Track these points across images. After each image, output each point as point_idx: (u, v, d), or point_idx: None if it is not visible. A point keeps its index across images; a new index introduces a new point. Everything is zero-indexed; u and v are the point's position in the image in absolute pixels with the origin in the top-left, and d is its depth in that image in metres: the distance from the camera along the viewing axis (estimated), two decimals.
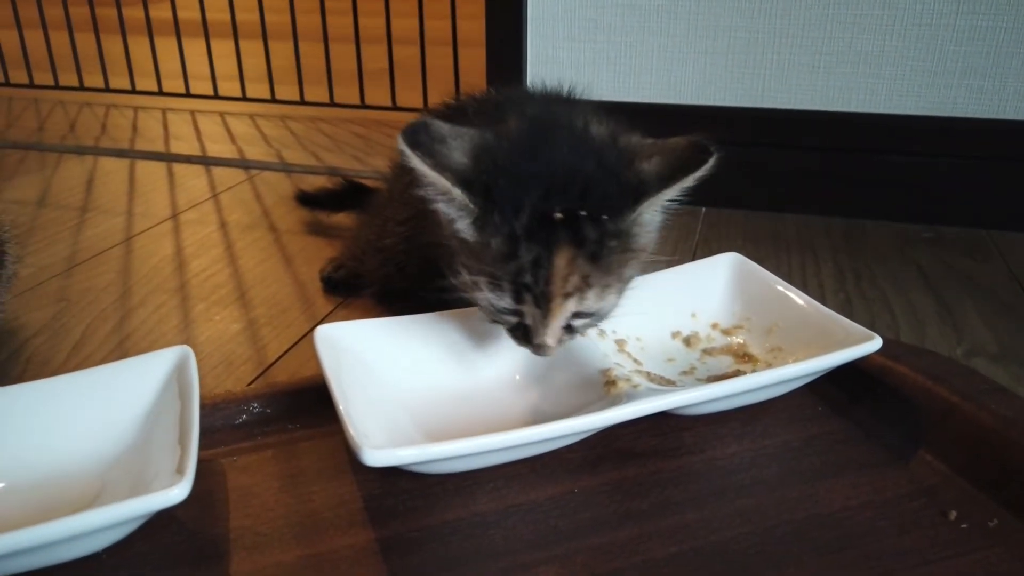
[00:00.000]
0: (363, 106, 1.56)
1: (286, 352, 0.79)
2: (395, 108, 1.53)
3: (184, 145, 1.48)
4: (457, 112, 0.84)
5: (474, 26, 1.30)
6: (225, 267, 0.98)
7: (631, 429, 0.61)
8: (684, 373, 0.68)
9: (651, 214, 0.57)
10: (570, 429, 0.54)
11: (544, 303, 0.55)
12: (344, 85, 1.55)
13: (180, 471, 0.48)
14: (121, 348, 0.80)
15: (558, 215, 0.53)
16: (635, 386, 0.59)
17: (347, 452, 0.60)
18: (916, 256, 0.99)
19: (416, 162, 0.54)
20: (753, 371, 0.66)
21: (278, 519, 0.54)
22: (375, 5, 1.47)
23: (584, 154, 0.56)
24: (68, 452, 0.57)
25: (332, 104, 1.58)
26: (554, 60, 1.15)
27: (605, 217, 0.54)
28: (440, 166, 0.54)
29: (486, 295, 0.56)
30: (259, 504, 0.55)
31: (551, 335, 0.56)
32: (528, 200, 0.53)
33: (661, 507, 0.54)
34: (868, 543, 0.51)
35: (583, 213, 0.53)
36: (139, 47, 1.64)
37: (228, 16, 1.56)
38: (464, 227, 0.56)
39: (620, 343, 0.68)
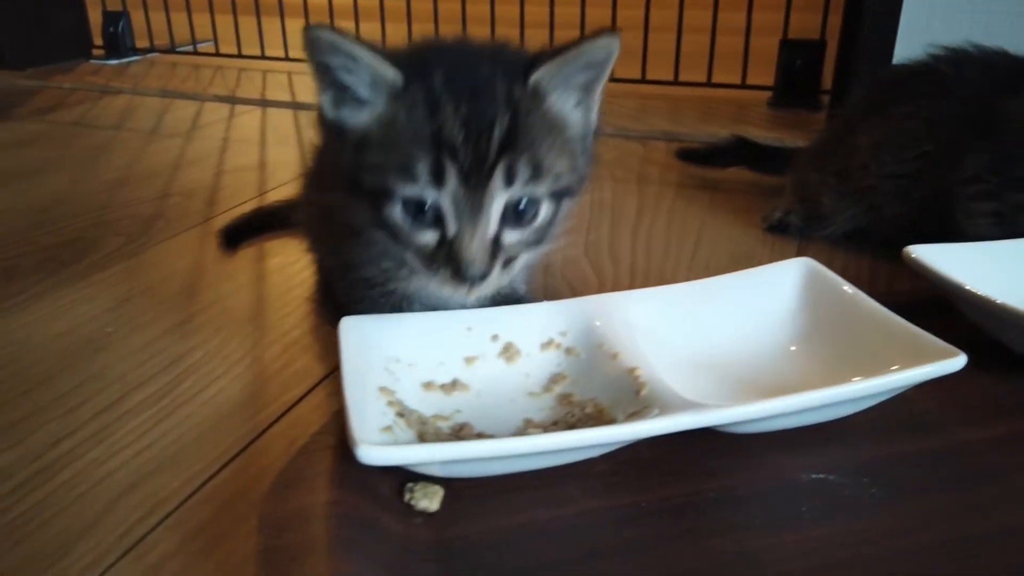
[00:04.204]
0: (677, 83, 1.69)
1: None
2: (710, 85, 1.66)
3: None
4: (931, 74, 0.92)
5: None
6: (659, 217, 1.07)
7: None
8: None
9: None
10: None
11: None
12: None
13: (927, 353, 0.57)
14: (627, 277, 0.90)
15: None
16: None
17: None
18: None
19: None
20: None
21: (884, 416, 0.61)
22: None
23: None
24: (736, 341, 0.67)
25: (644, 81, 1.71)
26: (928, 30, 1.21)
27: None
28: None
29: None
30: None
31: None
32: None
33: None
34: None
35: None
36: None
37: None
38: None
39: None
